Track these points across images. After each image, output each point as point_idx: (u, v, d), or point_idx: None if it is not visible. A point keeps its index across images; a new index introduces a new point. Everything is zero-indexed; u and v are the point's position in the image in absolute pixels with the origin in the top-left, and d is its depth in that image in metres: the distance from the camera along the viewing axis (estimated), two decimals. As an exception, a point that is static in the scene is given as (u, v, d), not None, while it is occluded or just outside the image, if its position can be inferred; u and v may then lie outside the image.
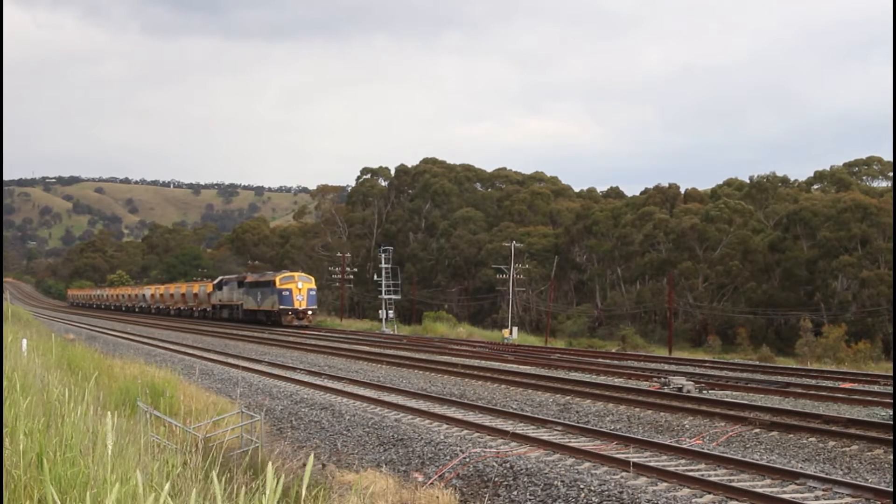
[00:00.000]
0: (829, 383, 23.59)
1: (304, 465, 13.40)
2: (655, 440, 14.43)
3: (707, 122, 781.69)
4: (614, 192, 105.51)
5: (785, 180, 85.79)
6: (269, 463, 4.32)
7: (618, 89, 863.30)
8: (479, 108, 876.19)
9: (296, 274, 62.98)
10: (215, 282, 75.47)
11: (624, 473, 11.92)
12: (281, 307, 59.41)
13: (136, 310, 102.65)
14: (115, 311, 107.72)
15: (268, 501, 3.99)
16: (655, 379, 23.86)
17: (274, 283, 60.53)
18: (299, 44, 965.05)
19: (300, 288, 60.04)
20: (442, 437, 14.90)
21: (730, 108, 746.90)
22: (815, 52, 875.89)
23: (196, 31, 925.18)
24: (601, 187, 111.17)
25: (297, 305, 59.75)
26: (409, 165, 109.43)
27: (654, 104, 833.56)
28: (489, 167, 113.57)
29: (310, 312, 60.69)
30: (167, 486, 4.09)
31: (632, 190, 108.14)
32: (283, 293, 59.66)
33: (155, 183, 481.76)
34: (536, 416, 17.35)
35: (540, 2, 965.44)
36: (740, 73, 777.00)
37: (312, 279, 63.37)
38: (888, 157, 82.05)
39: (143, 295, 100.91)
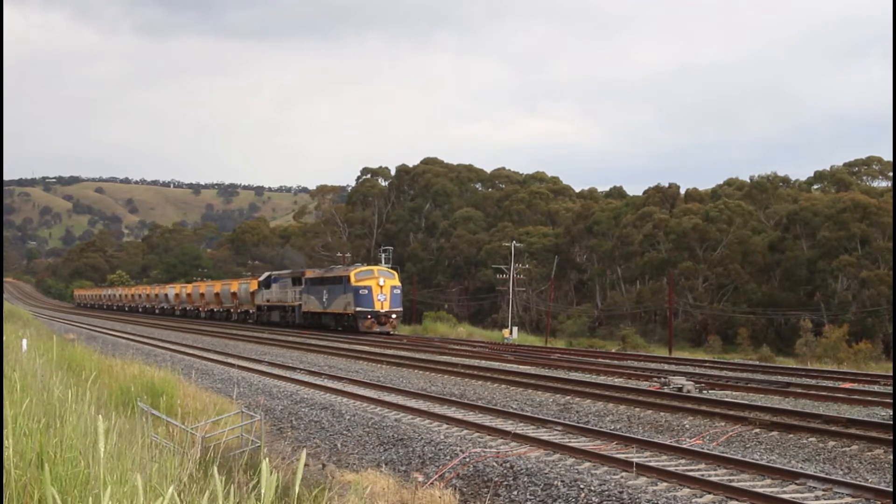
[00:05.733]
0: (829, 383, 23.58)
1: (304, 464, 13.39)
2: (655, 440, 14.43)
3: (705, 122, 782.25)
4: (616, 192, 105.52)
5: (785, 180, 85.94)
6: (265, 459, 4.32)
7: (615, 89, 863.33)
8: (475, 107, 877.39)
9: (375, 268, 51.53)
10: (261, 278, 64.81)
11: (624, 473, 11.92)
12: (357, 309, 48.57)
13: (157, 312, 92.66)
14: (130, 313, 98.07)
15: (264, 497, 3.98)
16: (655, 379, 23.85)
17: (347, 279, 49.60)
18: (293, 44, 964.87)
19: (381, 286, 48.99)
20: (442, 436, 14.89)
21: (728, 107, 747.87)
22: (813, 52, 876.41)
23: (189, 30, 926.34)
24: (602, 187, 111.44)
25: (378, 307, 48.71)
26: (410, 165, 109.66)
27: (652, 104, 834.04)
28: (487, 167, 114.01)
29: (394, 316, 49.76)
30: (171, 490, 4.09)
31: (631, 190, 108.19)
32: (360, 292, 48.63)
33: (155, 183, 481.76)
34: (536, 416, 17.34)
35: (534, 1, 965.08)
36: (738, 72, 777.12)
37: (395, 274, 51.87)
38: (888, 157, 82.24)
39: (166, 295, 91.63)
